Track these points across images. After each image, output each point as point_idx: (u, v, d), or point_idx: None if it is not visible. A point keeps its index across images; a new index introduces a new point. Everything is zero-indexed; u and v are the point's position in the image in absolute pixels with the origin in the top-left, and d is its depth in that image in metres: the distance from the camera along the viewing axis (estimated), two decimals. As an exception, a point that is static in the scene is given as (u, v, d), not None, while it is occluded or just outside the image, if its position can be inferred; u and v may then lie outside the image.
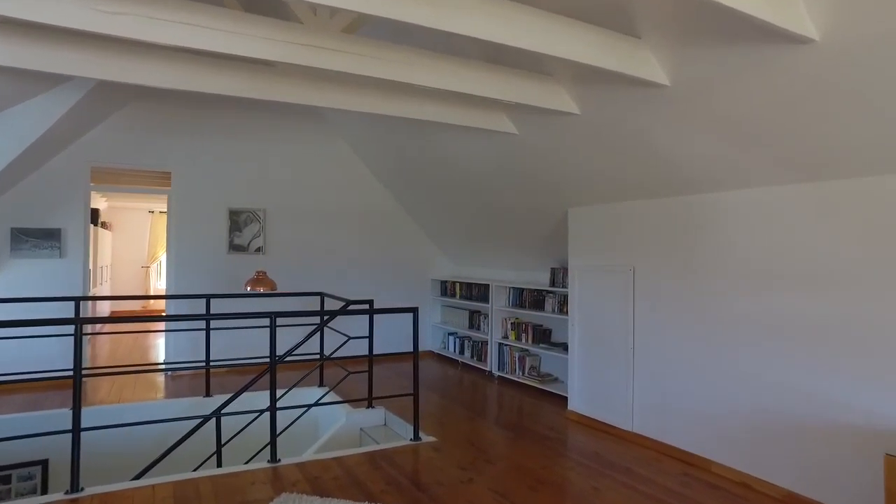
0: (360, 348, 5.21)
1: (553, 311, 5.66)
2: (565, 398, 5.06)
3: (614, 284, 4.42)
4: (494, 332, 6.35)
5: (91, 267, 8.15)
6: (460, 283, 7.22)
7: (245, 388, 4.06)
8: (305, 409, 4.61)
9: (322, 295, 5.47)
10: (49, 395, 5.23)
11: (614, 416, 4.40)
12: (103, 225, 10.75)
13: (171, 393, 5.60)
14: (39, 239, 5.62)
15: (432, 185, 6.40)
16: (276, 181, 6.76)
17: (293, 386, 4.78)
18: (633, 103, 3.39)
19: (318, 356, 5.59)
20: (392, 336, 7.02)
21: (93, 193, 9.73)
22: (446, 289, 7.58)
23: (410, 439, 4.10)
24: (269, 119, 6.66)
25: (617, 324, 4.39)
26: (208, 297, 5.16)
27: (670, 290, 3.96)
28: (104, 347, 7.80)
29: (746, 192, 3.47)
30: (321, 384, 5.50)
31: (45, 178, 5.69)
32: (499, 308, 6.35)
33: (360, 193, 7.27)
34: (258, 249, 6.61)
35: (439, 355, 7.52)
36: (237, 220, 6.50)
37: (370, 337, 4.77)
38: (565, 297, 5.49)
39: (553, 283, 5.57)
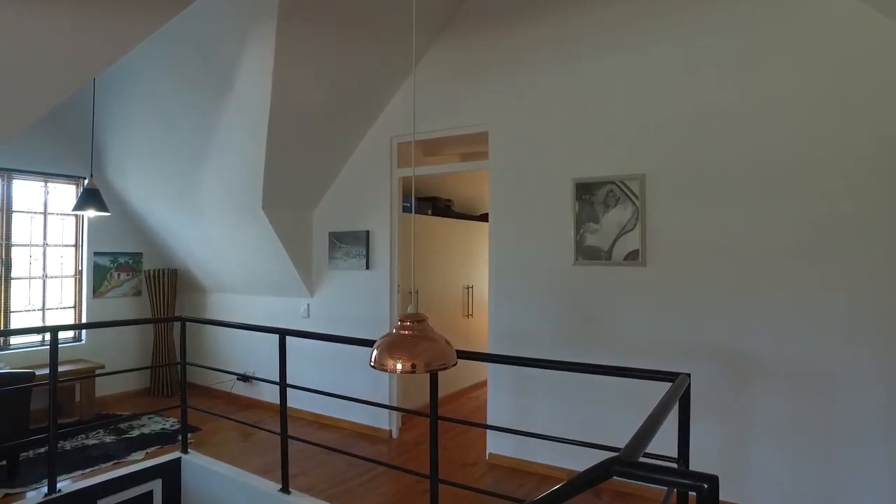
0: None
1: None
2: None
3: None
4: None
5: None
6: None
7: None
8: None
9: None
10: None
11: None
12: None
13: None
14: (349, 245, 4.36)
15: None
16: (666, 120, 3.28)
17: None
18: None
19: None
20: None
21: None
22: None
23: None
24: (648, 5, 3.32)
25: None
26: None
27: None
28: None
29: None
30: None
31: (353, 164, 4.42)
32: None
33: (879, 122, 2.82)
34: (630, 256, 3.39)
35: None
36: (591, 200, 3.50)
37: None
38: None
39: None
